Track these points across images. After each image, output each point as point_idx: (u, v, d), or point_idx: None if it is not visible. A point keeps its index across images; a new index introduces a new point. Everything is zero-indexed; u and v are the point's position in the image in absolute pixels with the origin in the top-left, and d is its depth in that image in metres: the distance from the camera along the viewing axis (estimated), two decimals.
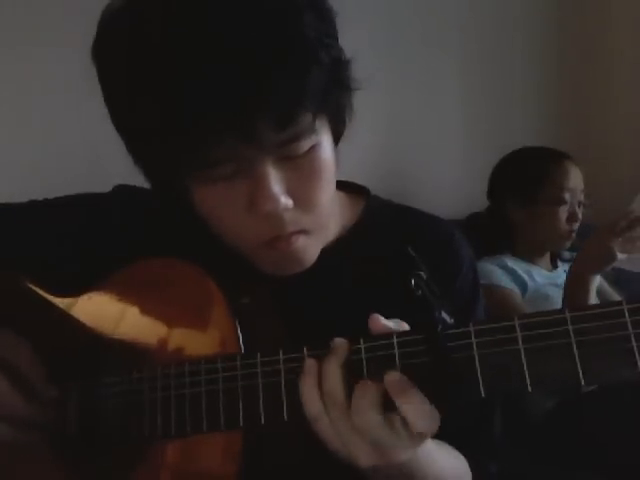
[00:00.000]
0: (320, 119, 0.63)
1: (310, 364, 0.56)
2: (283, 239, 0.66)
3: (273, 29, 0.58)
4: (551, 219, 1.72)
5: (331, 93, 0.62)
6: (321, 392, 0.55)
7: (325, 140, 0.65)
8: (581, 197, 1.73)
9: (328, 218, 0.71)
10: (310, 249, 0.69)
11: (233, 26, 0.57)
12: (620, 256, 1.38)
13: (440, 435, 0.64)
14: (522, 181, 1.75)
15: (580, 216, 1.72)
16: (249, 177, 0.62)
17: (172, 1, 0.59)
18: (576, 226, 1.73)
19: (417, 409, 0.51)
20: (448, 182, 2.09)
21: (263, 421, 0.58)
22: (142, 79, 0.58)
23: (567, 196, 1.71)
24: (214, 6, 0.57)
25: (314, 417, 0.55)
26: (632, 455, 1.27)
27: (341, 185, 0.81)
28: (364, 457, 0.54)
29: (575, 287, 1.45)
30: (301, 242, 0.67)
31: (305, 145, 0.63)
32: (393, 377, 0.52)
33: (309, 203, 0.65)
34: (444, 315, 0.52)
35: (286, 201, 0.62)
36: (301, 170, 0.63)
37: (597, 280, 1.44)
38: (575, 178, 1.72)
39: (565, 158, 1.74)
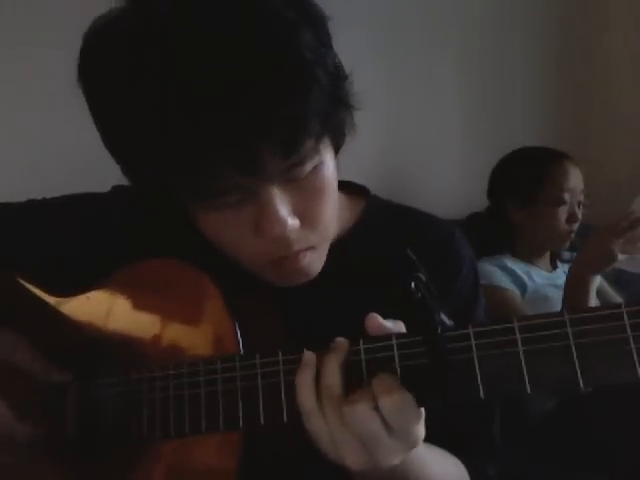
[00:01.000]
0: (322, 140, 0.62)
1: (308, 357, 0.56)
2: (290, 258, 0.65)
3: (271, 55, 0.56)
4: (551, 219, 1.72)
5: (331, 114, 0.61)
6: (318, 387, 0.55)
7: (328, 158, 0.65)
8: (581, 197, 1.73)
9: (332, 230, 0.70)
10: (316, 262, 0.69)
11: (229, 59, 0.55)
12: (620, 257, 1.38)
13: (438, 438, 0.65)
14: (522, 181, 1.75)
15: (580, 216, 1.72)
16: (254, 203, 0.61)
17: (165, 36, 0.56)
18: (576, 226, 1.73)
19: (396, 406, 0.52)
20: (448, 182, 2.09)
21: (262, 422, 0.58)
22: (140, 113, 0.57)
23: (567, 196, 1.70)
24: (209, 41, 0.55)
25: (307, 411, 0.55)
26: (632, 455, 1.27)
27: (340, 185, 0.81)
28: (354, 458, 0.54)
29: (575, 288, 1.44)
30: (307, 258, 0.67)
31: (309, 167, 0.62)
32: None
33: (314, 221, 0.65)
34: (443, 317, 0.52)
35: (293, 222, 0.62)
36: (305, 190, 0.63)
37: (597, 281, 1.44)
38: (575, 178, 1.72)
39: (565, 158, 1.74)
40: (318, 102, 0.58)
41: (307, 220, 0.64)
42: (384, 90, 1.89)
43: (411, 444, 0.55)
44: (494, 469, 0.76)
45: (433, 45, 2.07)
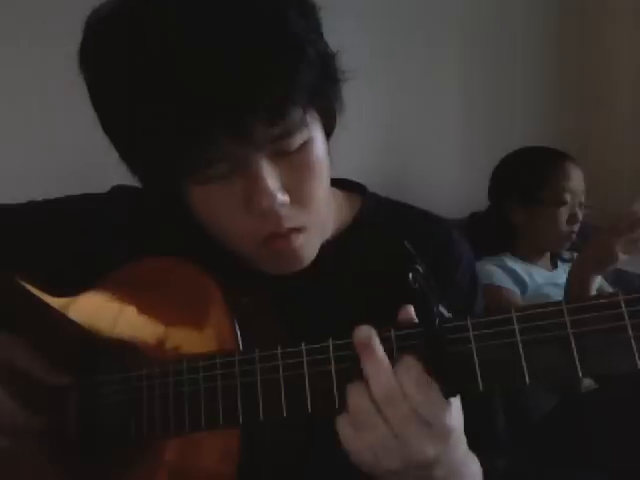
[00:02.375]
0: (311, 114, 0.63)
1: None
2: (281, 237, 0.66)
3: (259, 28, 0.58)
4: (552, 220, 1.72)
5: (320, 86, 0.62)
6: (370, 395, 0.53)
7: (317, 135, 0.66)
8: (582, 198, 1.74)
9: (325, 214, 0.71)
10: (308, 246, 0.69)
11: (219, 27, 0.57)
12: (622, 257, 1.37)
13: None
14: (523, 182, 1.75)
15: (580, 217, 1.72)
16: (244, 175, 0.62)
17: (157, 7, 0.59)
18: (576, 227, 1.73)
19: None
20: (448, 182, 2.09)
21: (262, 417, 0.58)
22: (132, 85, 0.59)
23: (568, 197, 1.71)
24: (199, 9, 0.58)
25: (364, 415, 0.53)
26: (632, 455, 1.27)
27: (338, 183, 0.81)
28: (391, 457, 0.53)
29: (576, 287, 1.44)
30: (299, 240, 0.67)
31: (297, 140, 0.63)
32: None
33: (305, 199, 0.65)
34: (442, 309, 0.52)
35: (282, 197, 0.62)
36: (295, 166, 0.64)
37: (598, 280, 1.44)
38: (576, 179, 1.73)
39: (567, 159, 1.75)
40: (305, 72, 0.59)
41: (297, 197, 0.64)
42: (384, 90, 1.90)
43: (442, 436, 0.54)
44: (503, 462, 0.76)
45: (434, 45, 2.07)
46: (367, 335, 0.54)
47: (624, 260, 1.39)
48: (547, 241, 1.77)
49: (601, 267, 1.41)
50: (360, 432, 0.54)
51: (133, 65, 0.59)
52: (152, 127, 0.59)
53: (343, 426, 0.54)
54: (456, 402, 0.55)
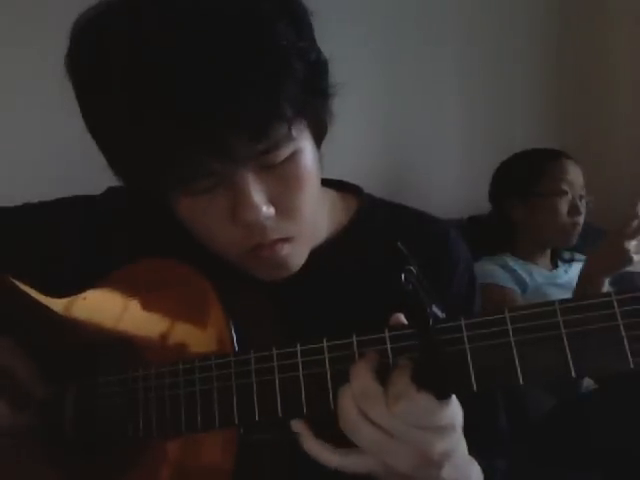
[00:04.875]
0: (297, 127, 0.61)
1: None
2: (266, 247, 0.65)
3: (243, 42, 0.57)
4: (552, 211, 1.73)
5: (307, 101, 0.61)
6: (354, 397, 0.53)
7: (306, 145, 0.64)
8: (582, 191, 1.74)
9: (312, 224, 0.70)
10: (295, 255, 0.68)
11: (201, 42, 0.56)
12: (636, 258, 1.37)
13: None
14: (521, 178, 1.77)
15: (582, 210, 1.72)
16: (229, 189, 0.61)
17: (138, 18, 0.58)
18: (579, 219, 1.72)
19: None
20: (448, 182, 2.09)
21: (257, 418, 0.58)
22: (112, 99, 0.58)
23: (566, 187, 1.72)
24: (181, 24, 0.56)
25: (353, 422, 0.53)
26: (632, 455, 1.27)
27: (333, 184, 0.81)
28: (404, 458, 0.53)
29: (586, 288, 1.44)
30: (285, 249, 0.66)
31: (283, 153, 0.62)
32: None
33: (291, 210, 0.64)
34: (435, 309, 0.52)
35: (267, 210, 0.62)
36: (282, 177, 0.63)
37: (607, 283, 1.44)
38: (573, 172, 1.74)
39: (563, 155, 1.77)
40: (290, 88, 0.58)
41: (284, 209, 0.64)
42: (384, 90, 1.90)
43: (444, 433, 0.54)
44: (504, 463, 0.75)
45: (433, 45, 2.06)
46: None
47: (638, 261, 1.39)
48: (550, 234, 1.76)
49: (614, 269, 1.41)
50: (351, 434, 0.54)
51: (114, 79, 0.58)
52: (133, 142, 0.58)
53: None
54: (455, 401, 0.54)
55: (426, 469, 0.54)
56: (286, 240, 0.66)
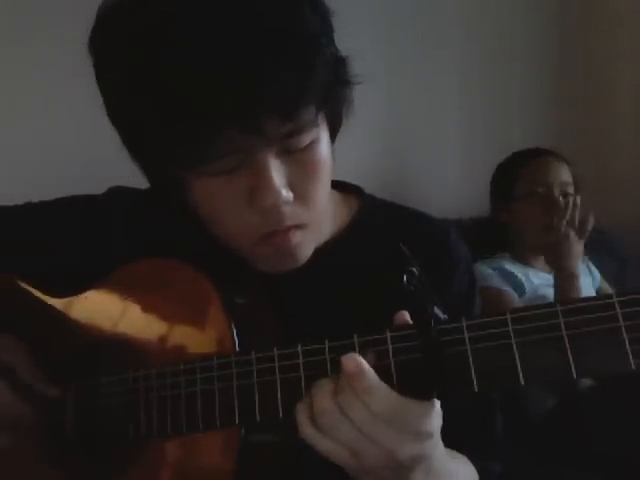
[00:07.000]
0: (321, 113, 0.63)
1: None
2: (280, 233, 0.66)
3: (278, 23, 0.58)
4: (526, 214, 1.73)
5: (333, 87, 0.63)
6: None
7: (324, 136, 0.66)
8: (567, 189, 1.72)
9: (324, 214, 0.71)
10: (305, 245, 0.69)
11: (236, 19, 0.57)
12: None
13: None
14: (501, 180, 1.81)
15: (569, 206, 1.61)
16: (251, 170, 0.61)
17: (170, 6, 0.58)
18: (562, 219, 1.63)
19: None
20: (448, 182, 2.09)
21: (258, 418, 0.58)
22: (143, 73, 0.58)
23: (539, 188, 1.71)
24: (217, 1, 0.58)
25: (329, 418, 0.54)
26: (632, 455, 1.27)
27: (335, 185, 0.81)
28: (374, 454, 0.53)
29: (564, 287, 1.53)
30: (298, 237, 0.67)
31: (306, 139, 0.63)
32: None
33: (308, 197, 0.65)
34: (437, 311, 0.52)
35: (287, 194, 0.62)
36: (301, 164, 0.64)
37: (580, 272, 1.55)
38: (549, 171, 1.73)
39: (543, 154, 1.76)
40: (321, 72, 0.59)
41: (301, 196, 0.64)
42: (384, 90, 1.89)
43: (422, 438, 0.54)
44: (499, 466, 0.76)
45: (433, 45, 2.06)
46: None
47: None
48: (529, 237, 1.75)
49: (564, 258, 1.55)
50: (325, 433, 0.54)
51: (140, 56, 0.58)
52: (159, 119, 0.58)
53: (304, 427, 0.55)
54: (437, 405, 0.55)
55: (395, 470, 0.54)
56: (299, 227, 0.66)
